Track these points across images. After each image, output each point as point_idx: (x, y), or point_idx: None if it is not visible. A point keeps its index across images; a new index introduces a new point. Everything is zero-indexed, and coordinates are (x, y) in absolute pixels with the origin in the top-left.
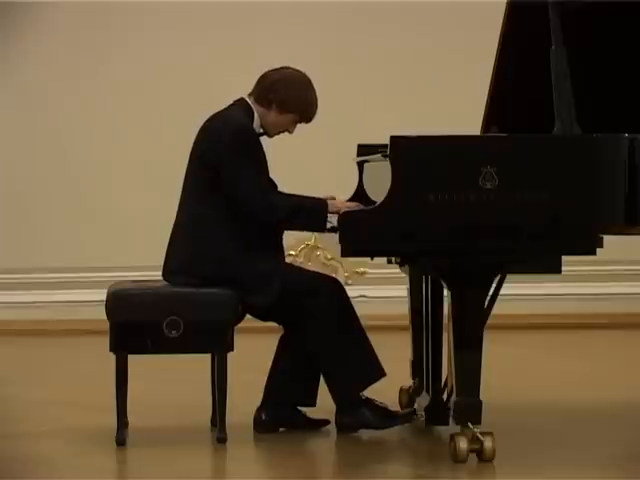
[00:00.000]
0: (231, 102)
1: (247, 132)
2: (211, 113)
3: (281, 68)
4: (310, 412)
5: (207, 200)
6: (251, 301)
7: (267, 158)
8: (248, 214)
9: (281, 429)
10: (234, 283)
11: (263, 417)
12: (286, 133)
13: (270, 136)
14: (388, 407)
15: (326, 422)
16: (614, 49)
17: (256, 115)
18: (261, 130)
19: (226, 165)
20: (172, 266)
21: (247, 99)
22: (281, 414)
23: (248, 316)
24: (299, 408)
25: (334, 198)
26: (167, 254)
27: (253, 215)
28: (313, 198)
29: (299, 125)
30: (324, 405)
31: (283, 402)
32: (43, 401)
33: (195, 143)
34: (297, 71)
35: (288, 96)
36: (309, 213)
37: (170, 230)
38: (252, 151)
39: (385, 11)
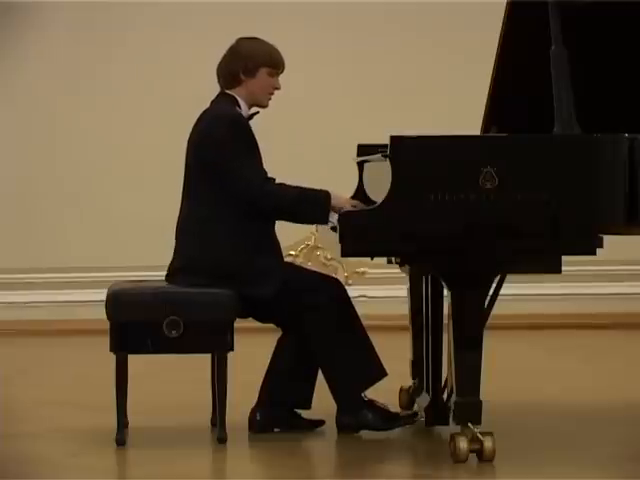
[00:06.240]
0: (212, 99)
1: (238, 121)
2: None
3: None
4: (310, 412)
5: (205, 199)
6: (252, 296)
7: (268, 159)
8: (249, 203)
9: (275, 429)
10: (234, 280)
11: (258, 417)
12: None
13: (264, 105)
14: (389, 408)
15: (321, 422)
16: (614, 49)
17: (239, 99)
18: (253, 110)
19: (224, 158)
20: (174, 265)
21: (225, 92)
22: (275, 414)
23: None
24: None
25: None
26: (173, 254)
27: (253, 204)
28: (316, 189)
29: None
30: (324, 405)
31: (278, 403)
32: (42, 401)
33: (189, 144)
34: (238, 38)
35: (245, 55)
36: (311, 203)
37: (168, 230)
38: (246, 140)
39: (385, 11)
